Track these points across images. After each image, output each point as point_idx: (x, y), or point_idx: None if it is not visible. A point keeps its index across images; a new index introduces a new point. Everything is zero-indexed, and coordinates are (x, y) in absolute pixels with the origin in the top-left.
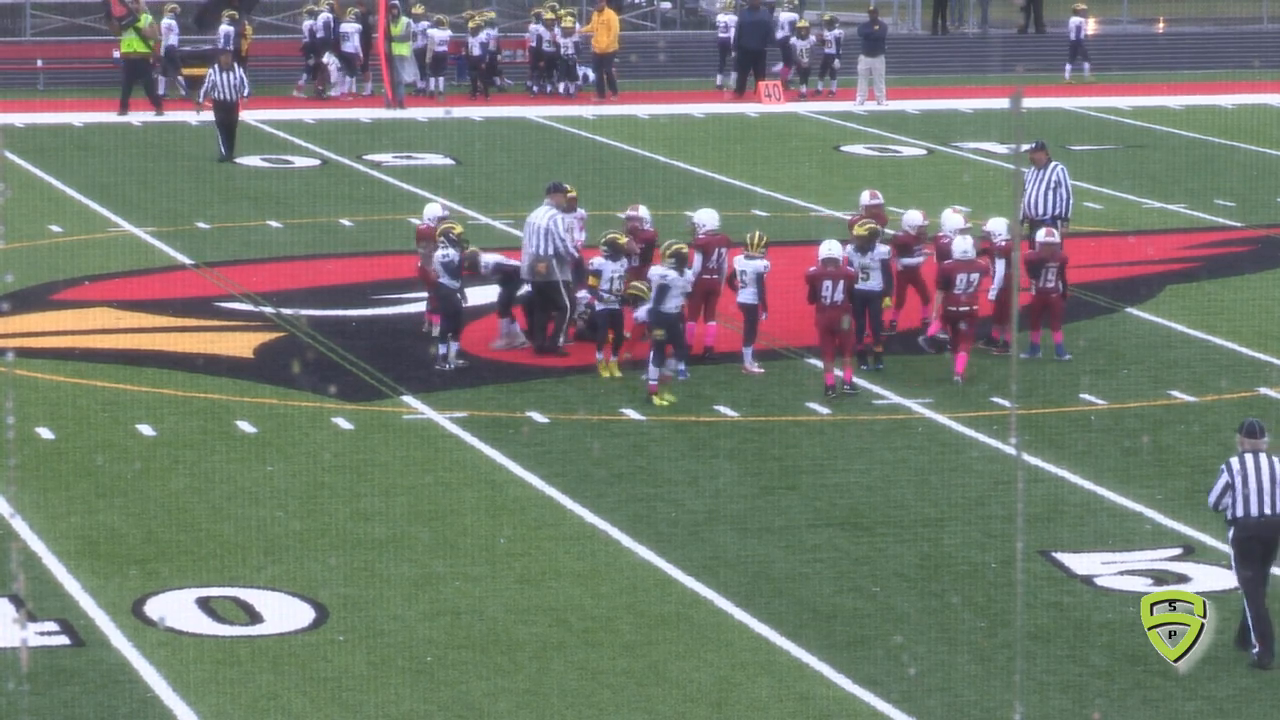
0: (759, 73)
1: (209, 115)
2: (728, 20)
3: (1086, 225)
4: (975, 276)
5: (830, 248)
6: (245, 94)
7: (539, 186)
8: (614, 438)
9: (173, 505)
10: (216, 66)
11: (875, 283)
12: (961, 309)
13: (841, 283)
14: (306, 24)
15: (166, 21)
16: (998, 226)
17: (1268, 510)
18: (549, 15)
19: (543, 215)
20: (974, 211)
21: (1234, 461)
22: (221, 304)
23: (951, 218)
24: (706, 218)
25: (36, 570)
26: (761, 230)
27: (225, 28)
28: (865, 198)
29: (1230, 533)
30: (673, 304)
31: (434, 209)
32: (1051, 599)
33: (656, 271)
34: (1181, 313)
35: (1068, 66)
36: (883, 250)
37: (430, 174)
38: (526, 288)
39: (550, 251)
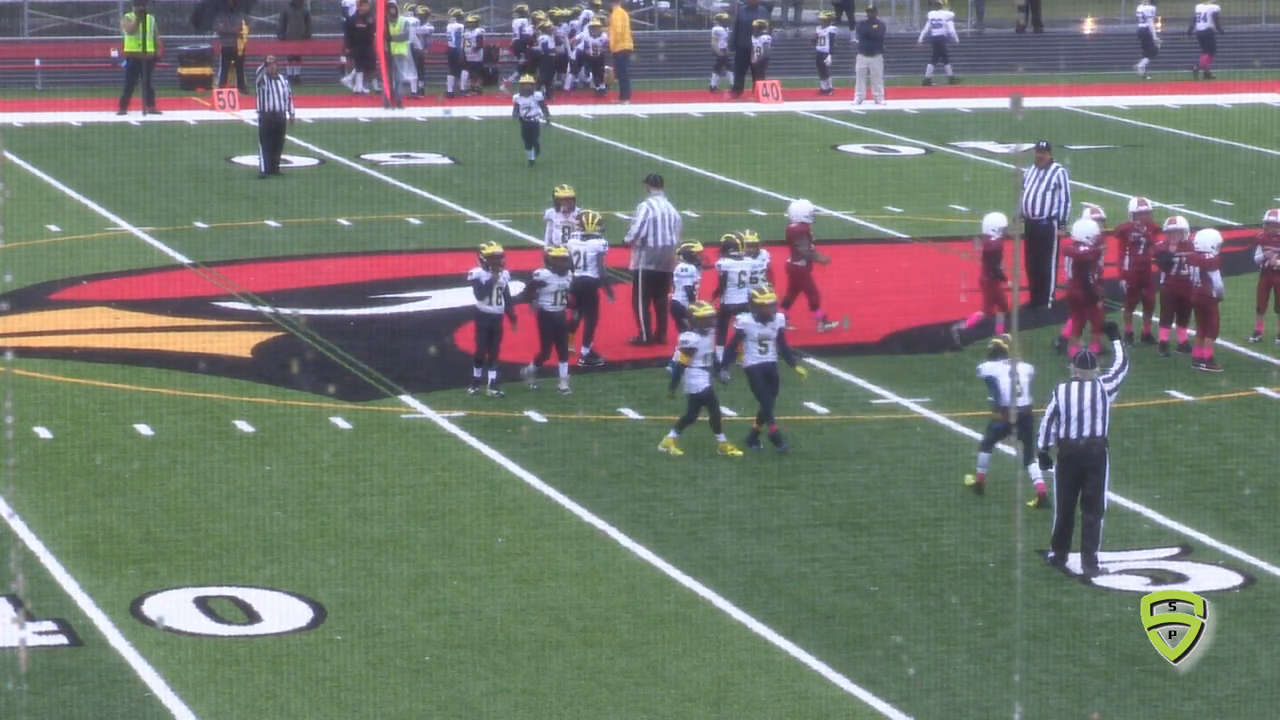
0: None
1: (212, 113)
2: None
3: None
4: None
5: (1083, 227)
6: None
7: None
8: (612, 437)
9: (171, 505)
10: (265, 73)
11: (771, 355)
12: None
13: (1069, 260)
14: (517, 23)
15: (410, 20)
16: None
17: (1085, 433)
18: (539, 14)
19: (668, 206)
20: (972, 211)
21: (1062, 388)
22: (220, 304)
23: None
24: (798, 209)
25: (35, 570)
26: (752, 229)
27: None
28: (1133, 204)
29: (1057, 453)
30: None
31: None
32: (1050, 598)
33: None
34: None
35: None
36: (780, 319)
37: (429, 174)
38: None
39: (682, 243)
